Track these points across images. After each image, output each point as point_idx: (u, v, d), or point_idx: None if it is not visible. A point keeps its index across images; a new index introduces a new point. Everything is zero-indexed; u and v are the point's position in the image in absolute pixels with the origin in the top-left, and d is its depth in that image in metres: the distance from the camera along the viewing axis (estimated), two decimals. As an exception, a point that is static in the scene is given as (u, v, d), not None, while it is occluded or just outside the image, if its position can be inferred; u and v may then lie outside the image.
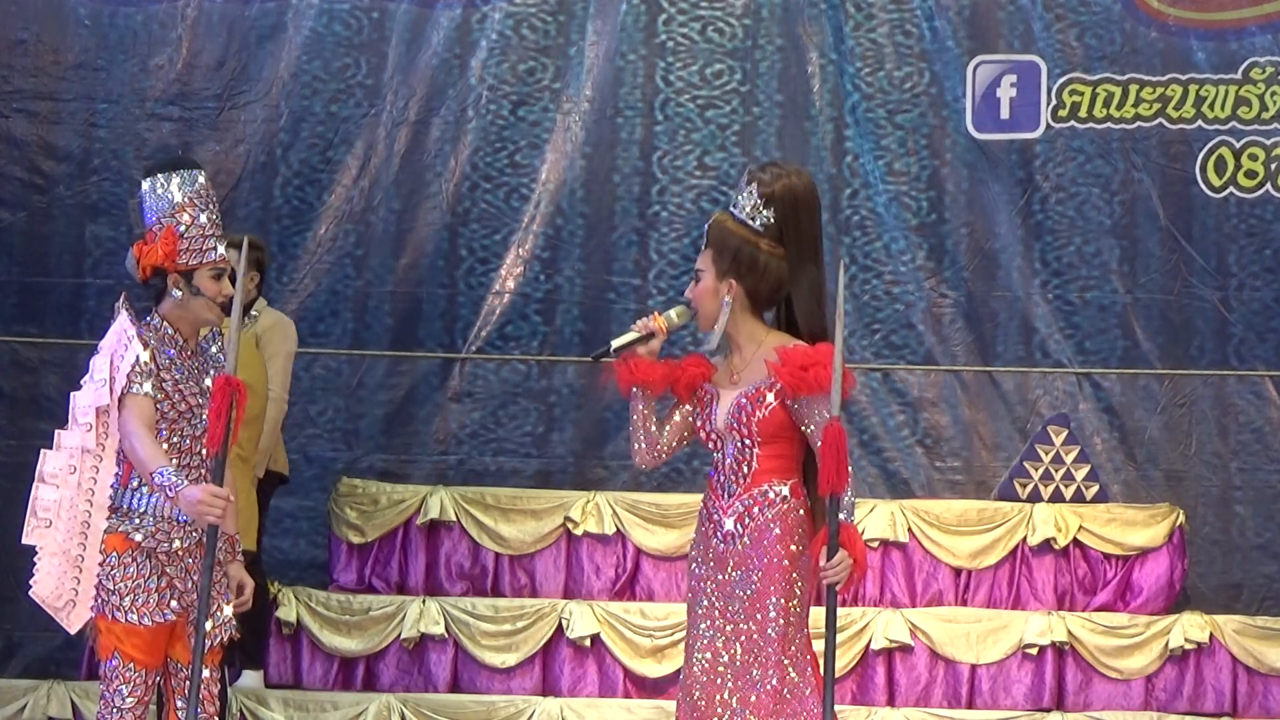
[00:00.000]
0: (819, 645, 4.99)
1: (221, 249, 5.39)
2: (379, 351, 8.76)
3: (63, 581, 5.27)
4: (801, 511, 5.02)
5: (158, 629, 5.27)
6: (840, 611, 7.99)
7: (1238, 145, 8.60)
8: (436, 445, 8.69)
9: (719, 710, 4.97)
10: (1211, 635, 7.96)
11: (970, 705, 7.97)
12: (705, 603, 5.06)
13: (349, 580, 8.30)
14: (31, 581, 5.31)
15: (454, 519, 8.29)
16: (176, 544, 5.29)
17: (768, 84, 8.81)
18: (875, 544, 8.21)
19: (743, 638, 4.97)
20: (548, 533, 8.31)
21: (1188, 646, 7.93)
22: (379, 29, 8.85)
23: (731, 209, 5.14)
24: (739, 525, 5.00)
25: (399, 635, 8.06)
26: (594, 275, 8.79)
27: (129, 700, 5.23)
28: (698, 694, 5.02)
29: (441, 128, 8.81)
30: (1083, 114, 8.68)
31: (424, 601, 8.10)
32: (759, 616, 4.96)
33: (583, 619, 8.03)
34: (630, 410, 5.15)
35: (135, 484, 5.30)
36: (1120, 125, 8.68)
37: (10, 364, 8.68)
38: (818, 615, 4.99)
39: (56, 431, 5.39)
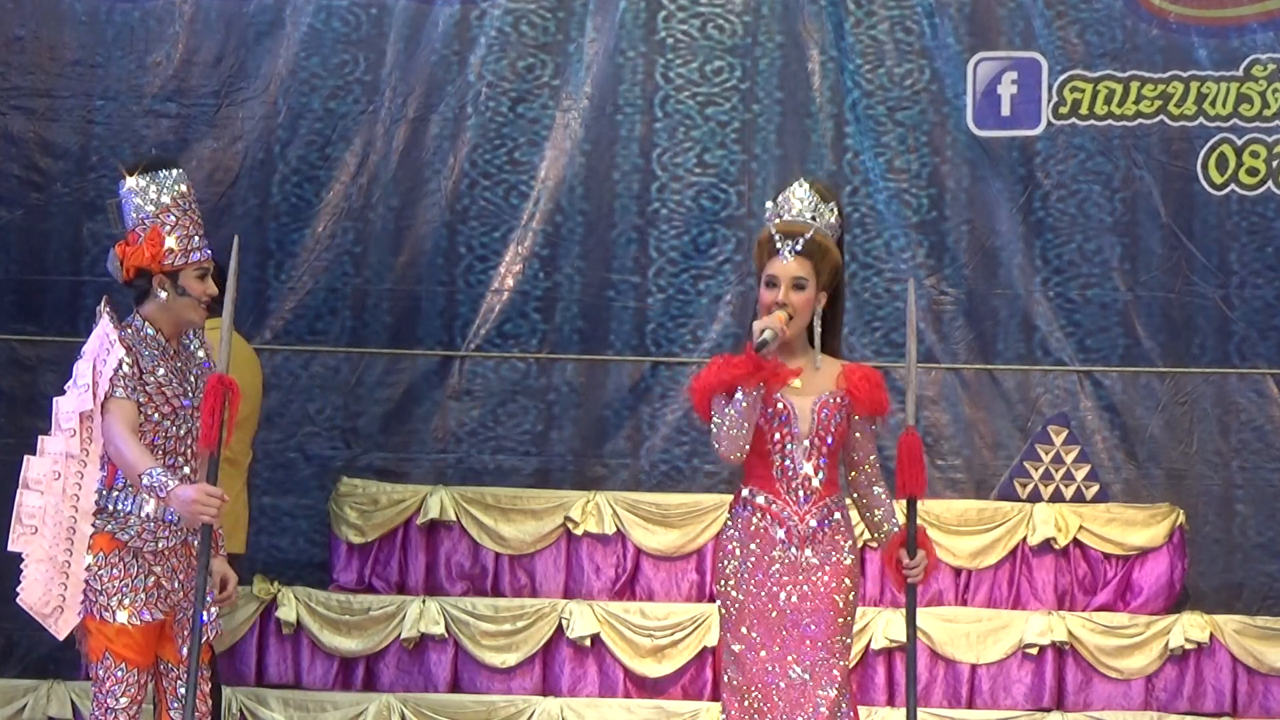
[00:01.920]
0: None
1: (205, 250, 5.38)
2: (378, 349, 8.74)
3: (50, 588, 5.27)
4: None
5: (147, 628, 5.26)
6: (840, 611, 8.08)
7: (1239, 143, 8.58)
8: (435, 443, 8.68)
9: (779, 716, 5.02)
10: (1211, 635, 7.96)
11: (970, 705, 7.97)
12: (767, 603, 5.07)
13: (349, 580, 8.29)
14: (19, 588, 5.30)
15: (454, 519, 8.28)
16: (162, 544, 5.30)
17: (768, 81, 8.79)
18: (875, 544, 8.19)
19: (804, 646, 5.05)
20: (548, 532, 8.30)
21: (1188, 646, 7.93)
22: (377, 25, 8.82)
23: (813, 221, 5.23)
24: (814, 535, 5.10)
25: (399, 635, 8.06)
26: (593, 273, 8.77)
27: (122, 700, 5.23)
28: (756, 694, 5.04)
29: (440, 125, 8.78)
30: (1084, 111, 8.66)
31: (424, 601, 8.10)
32: (826, 629, 5.08)
33: (583, 619, 8.02)
34: (745, 403, 5.10)
35: (120, 485, 5.30)
36: (1121, 122, 8.66)
37: (8, 362, 8.66)
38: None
39: (40, 437, 5.38)
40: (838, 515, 5.21)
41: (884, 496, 5.31)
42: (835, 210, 5.27)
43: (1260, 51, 8.62)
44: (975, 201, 8.70)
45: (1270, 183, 8.58)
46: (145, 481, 5.13)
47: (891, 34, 8.75)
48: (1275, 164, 8.57)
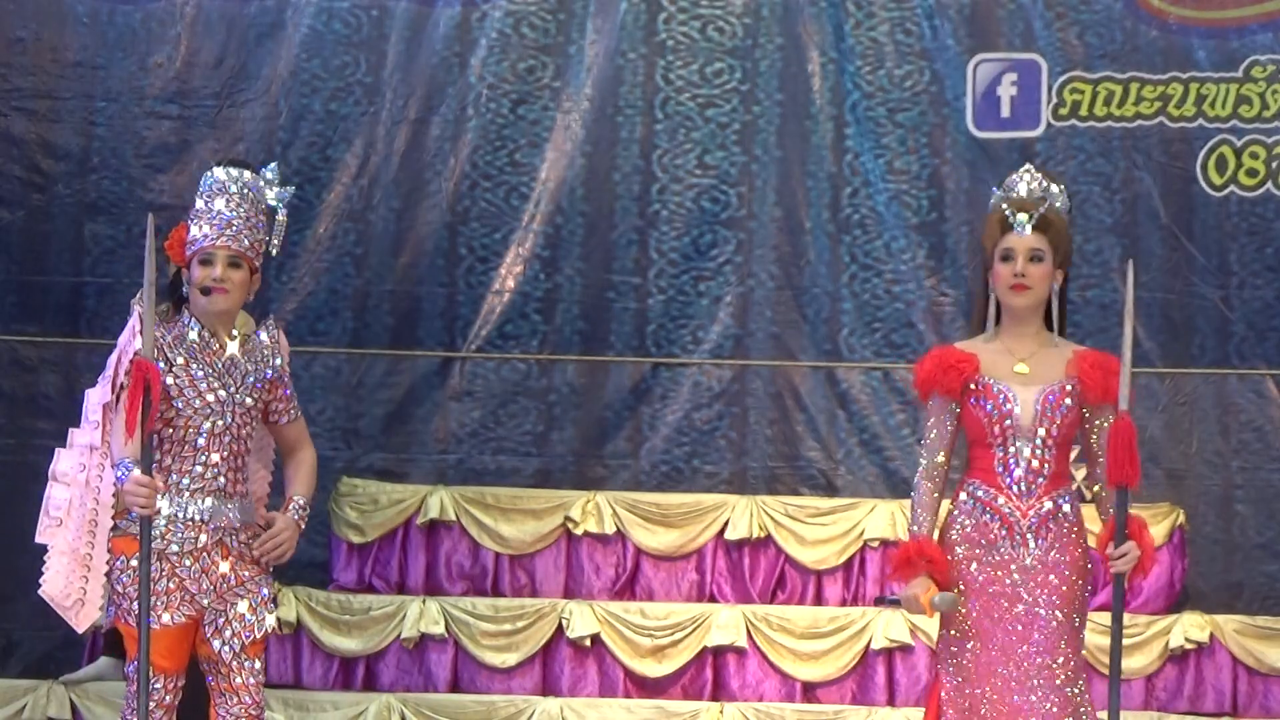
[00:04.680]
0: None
1: (213, 236, 5.33)
2: (378, 350, 8.75)
3: (71, 580, 5.24)
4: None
5: (171, 632, 5.20)
6: (840, 611, 8.10)
7: (1239, 144, 8.59)
8: (436, 444, 8.69)
9: None
10: (1212, 635, 7.96)
11: (970, 705, 7.95)
12: (984, 606, 4.98)
13: (349, 580, 8.29)
14: (41, 580, 5.28)
15: (454, 519, 8.28)
16: (188, 545, 5.23)
17: (768, 82, 8.80)
18: (875, 544, 8.22)
19: (1026, 650, 4.96)
20: (548, 532, 8.30)
21: (1188, 646, 7.93)
22: (378, 27, 8.83)
23: (1044, 198, 5.14)
24: (1040, 532, 4.97)
25: (399, 635, 8.05)
26: (594, 274, 8.78)
27: (144, 703, 5.18)
28: (977, 692, 4.97)
29: (441, 126, 8.80)
30: (1083, 112, 8.67)
31: (424, 601, 8.10)
32: (1049, 636, 4.96)
33: (583, 619, 8.02)
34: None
35: None
36: (1121, 124, 8.67)
37: (9, 363, 8.67)
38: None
39: (70, 430, 5.36)
40: (1066, 509, 5.01)
41: (1107, 500, 5.06)
42: (1064, 192, 5.18)
43: (1260, 53, 8.63)
44: (975, 203, 8.70)
45: (1270, 184, 8.59)
46: (117, 472, 5.12)
47: (891, 36, 8.76)
48: (1275, 165, 8.58)
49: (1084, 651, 5.04)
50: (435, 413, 8.70)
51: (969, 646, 5.01)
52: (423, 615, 8.05)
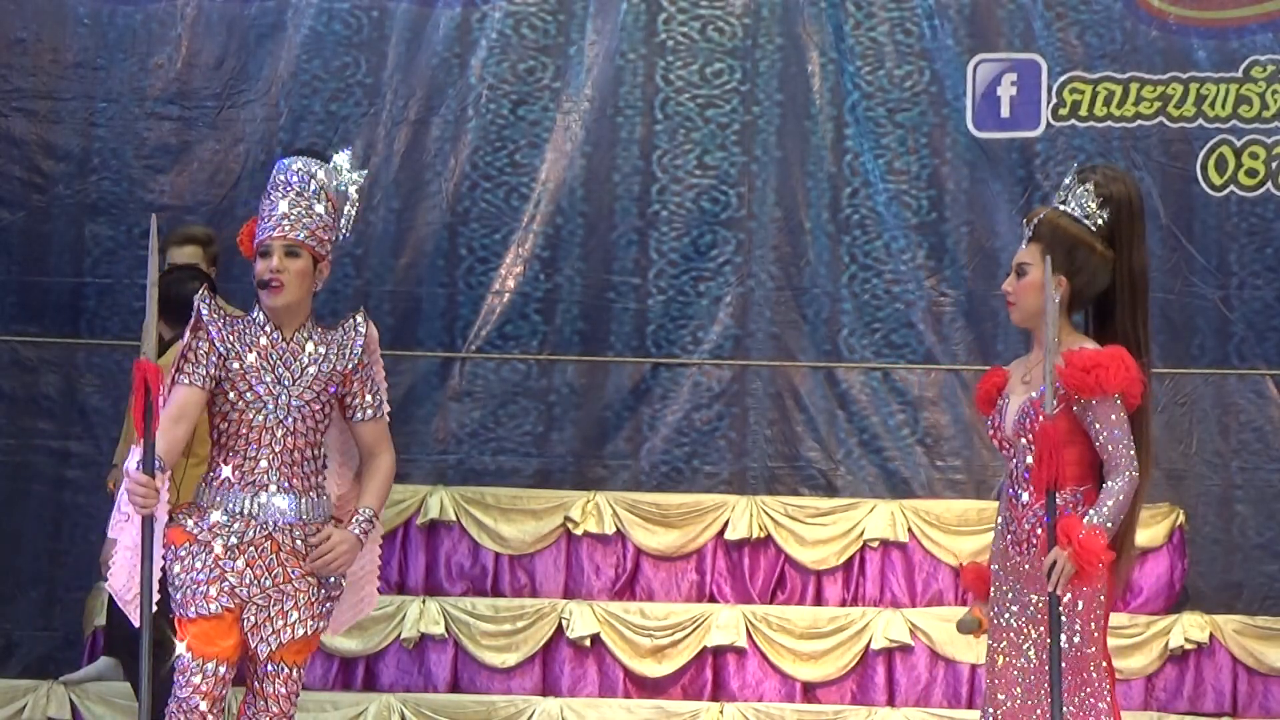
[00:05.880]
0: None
1: (269, 228, 5.20)
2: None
3: (133, 575, 5.21)
4: None
5: (209, 621, 5.11)
6: (840, 611, 8.11)
7: (1238, 144, 8.59)
8: (436, 444, 8.69)
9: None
10: (1211, 635, 7.97)
11: (970, 705, 7.96)
12: (1004, 612, 4.99)
13: (349, 580, 8.29)
14: (108, 573, 5.29)
15: (454, 519, 8.29)
16: (234, 539, 5.14)
17: (768, 83, 8.80)
18: (875, 544, 8.22)
19: (1035, 650, 4.93)
20: (548, 533, 8.31)
21: (1188, 646, 7.94)
22: (379, 28, 8.84)
23: (1060, 206, 5.07)
24: (1033, 534, 4.93)
25: (399, 635, 8.06)
26: (594, 274, 8.78)
27: (184, 690, 5.09)
28: (1001, 696, 4.99)
29: (441, 127, 8.80)
30: (1083, 112, 8.67)
31: (424, 601, 8.10)
32: (1037, 631, 4.92)
33: (583, 619, 8.03)
34: None
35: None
36: (1121, 124, 8.67)
37: (9, 363, 8.67)
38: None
39: None
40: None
41: (1101, 493, 4.84)
42: (1091, 189, 5.02)
43: (1259, 53, 8.63)
44: (975, 203, 8.71)
45: (1269, 184, 8.59)
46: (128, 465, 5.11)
47: (891, 36, 8.76)
48: (1274, 165, 8.58)
49: (1092, 652, 4.92)
50: (435, 413, 8.71)
51: (991, 645, 5.06)
52: (423, 615, 8.05)
